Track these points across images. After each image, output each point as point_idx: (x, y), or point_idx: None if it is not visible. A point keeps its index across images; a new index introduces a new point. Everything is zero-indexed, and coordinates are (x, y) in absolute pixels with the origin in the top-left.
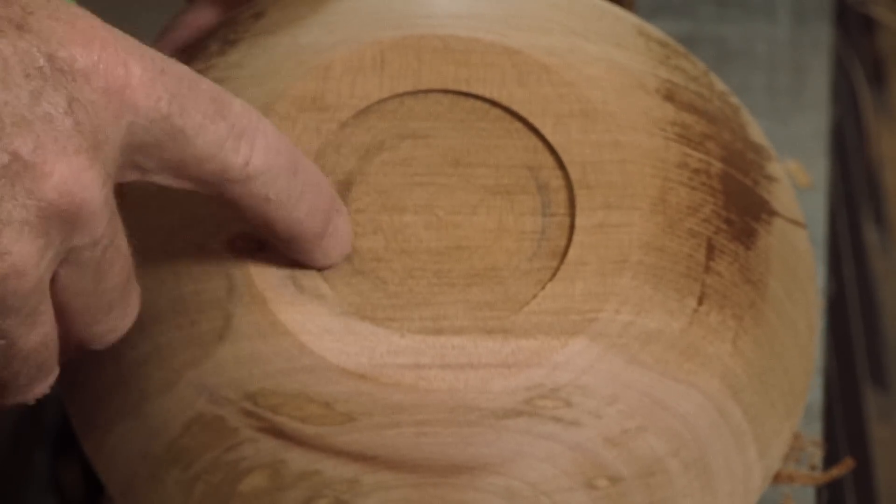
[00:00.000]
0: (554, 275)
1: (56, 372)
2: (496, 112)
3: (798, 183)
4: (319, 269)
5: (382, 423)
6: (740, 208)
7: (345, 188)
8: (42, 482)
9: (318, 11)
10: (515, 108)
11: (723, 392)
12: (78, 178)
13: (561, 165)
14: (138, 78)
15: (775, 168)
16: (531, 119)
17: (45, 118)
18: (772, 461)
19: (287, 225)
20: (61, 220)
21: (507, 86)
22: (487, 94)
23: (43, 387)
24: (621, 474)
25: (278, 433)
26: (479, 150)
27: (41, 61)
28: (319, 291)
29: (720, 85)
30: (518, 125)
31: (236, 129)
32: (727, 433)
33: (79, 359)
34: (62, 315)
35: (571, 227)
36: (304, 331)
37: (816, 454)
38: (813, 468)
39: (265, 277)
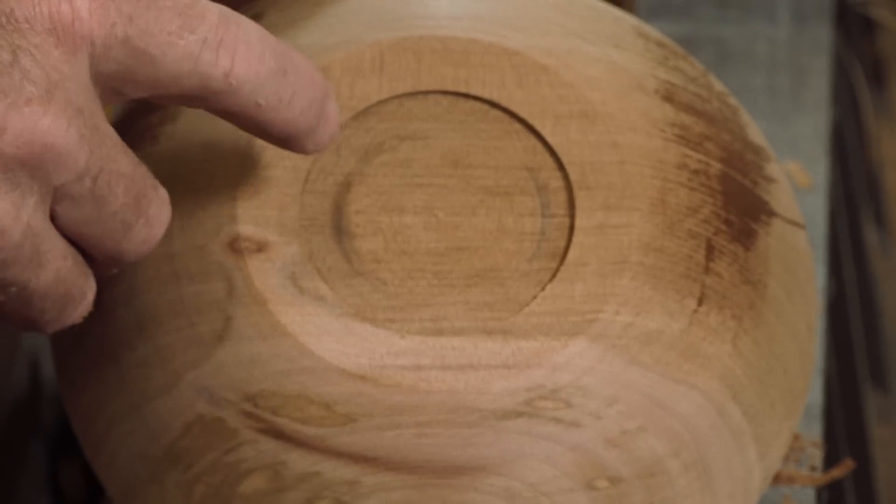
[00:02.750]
0: (554, 276)
1: (89, 293)
2: (495, 113)
3: (798, 184)
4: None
5: (383, 424)
6: (739, 209)
7: (344, 189)
8: (37, 479)
9: (317, 13)
10: (514, 109)
11: (722, 393)
12: (34, 126)
13: (560, 166)
14: (86, 9)
15: (774, 169)
16: (530, 120)
17: None
18: (772, 462)
19: (281, 126)
20: (29, 167)
21: (506, 87)
22: (486, 96)
23: (78, 311)
24: (621, 475)
25: (278, 434)
26: (479, 151)
27: None
28: (319, 293)
29: (719, 86)
30: (517, 126)
31: (211, 42)
32: (727, 434)
33: (79, 357)
34: (81, 243)
35: (571, 228)
36: (304, 332)
37: (816, 455)
38: (813, 469)
39: (265, 278)
